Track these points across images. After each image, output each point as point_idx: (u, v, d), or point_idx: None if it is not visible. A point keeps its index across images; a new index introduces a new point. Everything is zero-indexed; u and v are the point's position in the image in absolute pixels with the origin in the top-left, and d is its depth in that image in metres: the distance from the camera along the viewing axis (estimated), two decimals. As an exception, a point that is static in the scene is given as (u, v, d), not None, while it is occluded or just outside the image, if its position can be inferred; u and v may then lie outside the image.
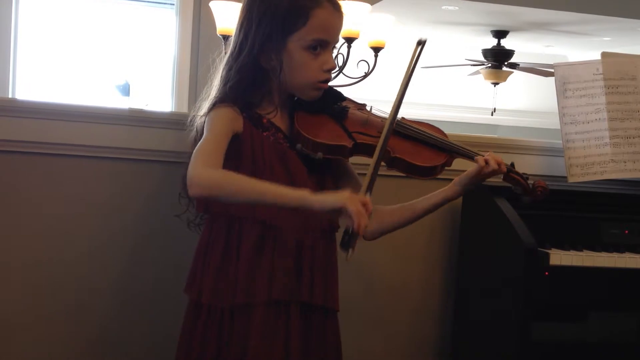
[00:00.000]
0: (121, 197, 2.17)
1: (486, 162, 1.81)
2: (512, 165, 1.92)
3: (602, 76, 2.36)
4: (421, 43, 1.79)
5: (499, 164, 1.82)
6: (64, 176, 2.13)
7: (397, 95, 1.75)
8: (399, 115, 1.83)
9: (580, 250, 2.11)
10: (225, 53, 1.78)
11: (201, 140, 1.64)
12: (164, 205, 2.11)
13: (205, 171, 1.56)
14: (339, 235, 1.82)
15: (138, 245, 2.19)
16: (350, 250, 1.57)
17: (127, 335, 2.19)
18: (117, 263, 2.18)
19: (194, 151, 1.61)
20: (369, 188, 1.65)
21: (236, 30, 1.76)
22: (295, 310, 1.71)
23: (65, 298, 2.15)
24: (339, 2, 1.78)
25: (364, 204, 1.53)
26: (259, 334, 1.67)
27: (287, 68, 1.70)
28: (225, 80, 1.72)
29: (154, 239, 2.18)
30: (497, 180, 2.04)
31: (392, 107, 1.74)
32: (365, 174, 1.71)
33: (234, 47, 1.73)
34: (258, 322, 1.67)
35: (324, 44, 1.71)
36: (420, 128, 1.86)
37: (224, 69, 1.75)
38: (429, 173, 1.82)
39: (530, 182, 1.93)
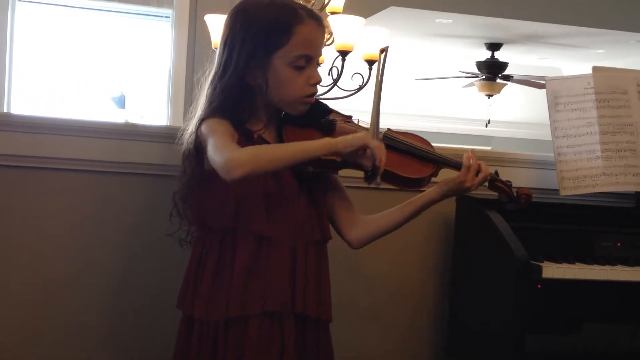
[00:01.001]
0: (116, 210, 2.18)
1: (470, 160, 1.85)
2: (496, 173, 1.95)
3: (593, 90, 2.38)
4: (383, 50, 1.80)
5: (482, 169, 1.86)
6: (59, 190, 2.14)
7: (374, 102, 1.77)
8: (386, 127, 1.85)
9: (573, 262, 2.11)
10: (210, 71, 1.78)
11: (211, 141, 1.64)
12: (160, 218, 2.11)
13: (237, 152, 1.58)
14: (332, 244, 1.84)
15: (134, 257, 2.19)
16: (378, 177, 1.66)
17: (120, 351, 2.19)
18: (112, 276, 2.18)
19: (211, 149, 1.62)
20: (376, 132, 1.74)
21: (219, 49, 1.76)
22: (289, 321, 1.72)
23: (56, 311, 2.15)
24: (327, 19, 1.80)
25: (380, 145, 1.65)
26: (254, 346, 1.68)
27: (273, 84, 1.71)
28: (211, 100, 1.73)
29: (149, 252, 2.18)
30: (488, 192, 2.06)
31: (372, 110, 1.77)
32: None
33: (219, 66, 1.74)
34: (253, 334, 1.68)
35: (308, 59, 1.72)
36: (406, 140, 1.87)
37: (209, 87, 1.75)
38: (417, 184, 1.84)
39: (513, 189, 1.95)
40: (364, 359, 2.42)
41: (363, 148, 1.63)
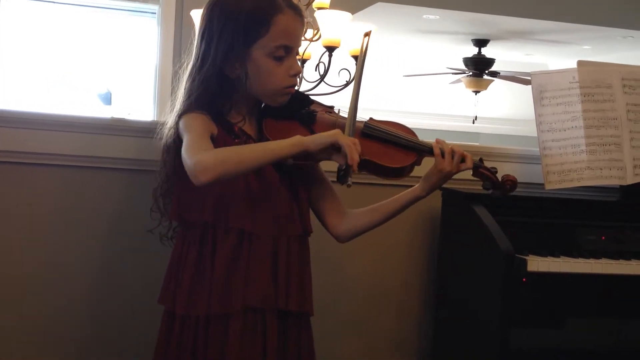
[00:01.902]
0: (101, 205, 2.17)
1: (441, 150, 1.81)
2: (481, 160, 1.93)
3: (578, 84, 2.39)
4: (367, 34, 1.80)
5: (460, 155, 1.82)
6: (43, 186, 2.13)
7: (352, 96, 1.77)
8: (367, 116, 1.84)
9: (558, 256, 2.12)
10: (188, 64, 1.76)
11: (185, 139, 1.63)
12: (145, 214, 2.10)
13: (204, 155, 1.57)
14: (312, 242, 1.83)
15: (118, 253, 2.19)
16: (349, 178, 1.63)
17: (103, 347, 2.19)
18: (95, 271, 2.18)
19: (183, 149, 1.61)
20: (351, 131, 1.70)
21: (197, 41, 1.74)
22: (271, 317, 1.71)
23: (37, 307, 2.14)
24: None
25: (354, 143, 1.61)
26: (236, 342, 1.67)
27: (253, 76, 1.70)
28: (189, 93, 1.71)
29: (134, 247, 2.18)
30: (474, 187, 2.06)
31: (350, 104, 1.76)
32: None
33: (197, 59, 1.72)
34: (235, 330, 1.67)
35: (287, 50, 1.71)
36: (388, 128, 1.84)
37: (187, 80, 1.73)
38: (398, 174, 1.81)
39: (498, 176, 1.95)
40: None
41: (334, 145, 1.61)
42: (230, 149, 1.63)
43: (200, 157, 1.56)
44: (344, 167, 1.62)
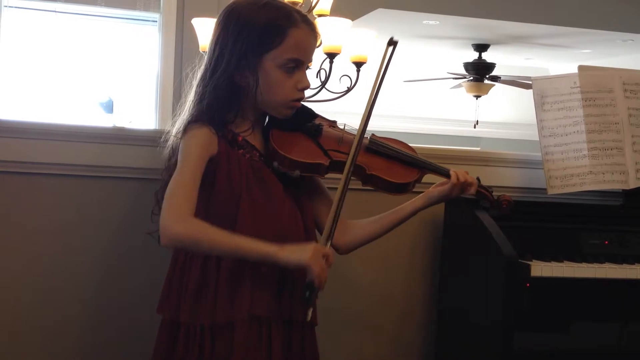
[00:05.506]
0: (105, 215, 2.17)
1: (458, 178, 1.88)
2: (478, 179, 1.96)
3: (579, 89, 2.39)
4: (392, 43, 1.80)
5: (469, 182, 1.90)
6: (47, 196, 2.13)
7: (369, 99, 1.78)
8: (371, 132, 1.85)
9: (561, 261, 2.12)
10: (199, 68, 1.77)
11: (175, 174, 1.64)
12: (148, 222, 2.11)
13: (179, 224, 1.59)
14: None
15: (122, 262, 2.19)
16: (310, 309, 1.66)
17: (104, 355, 2.19)
18: (99, 280, 2.18)
19: (168, 190, 1.62)
20: (330, 237, 1.69)
21: (210, 46, 1.75)
22: (276, 326, 1.71)
23: (43, 313, 2.14)
24: (315, 21, 1.80)
25: (326, 257, 1.62)
26: (241, 351, 1.67)
27: (262, 86, 1.71)
28: (200, 97, 1.72)
29: (135, 256, 2.18)
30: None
31: (364, 114, 1.77)
32: (336, 188, 1.72)
33: (209, 64, 1.73)
34: (240, 339, 1.67)
35: (298, 63, 1.73)
36: (392, 145, 1.88)
37: (198, 85, 1.75)
38: (402, 189, 1.84)
39: (495, 195, 1.97)
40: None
41: (304, 269, 1.61)
42: (207, 231, 1.61)
43: (175, 224, 1.59)
44: (312, 285, 1.61)
